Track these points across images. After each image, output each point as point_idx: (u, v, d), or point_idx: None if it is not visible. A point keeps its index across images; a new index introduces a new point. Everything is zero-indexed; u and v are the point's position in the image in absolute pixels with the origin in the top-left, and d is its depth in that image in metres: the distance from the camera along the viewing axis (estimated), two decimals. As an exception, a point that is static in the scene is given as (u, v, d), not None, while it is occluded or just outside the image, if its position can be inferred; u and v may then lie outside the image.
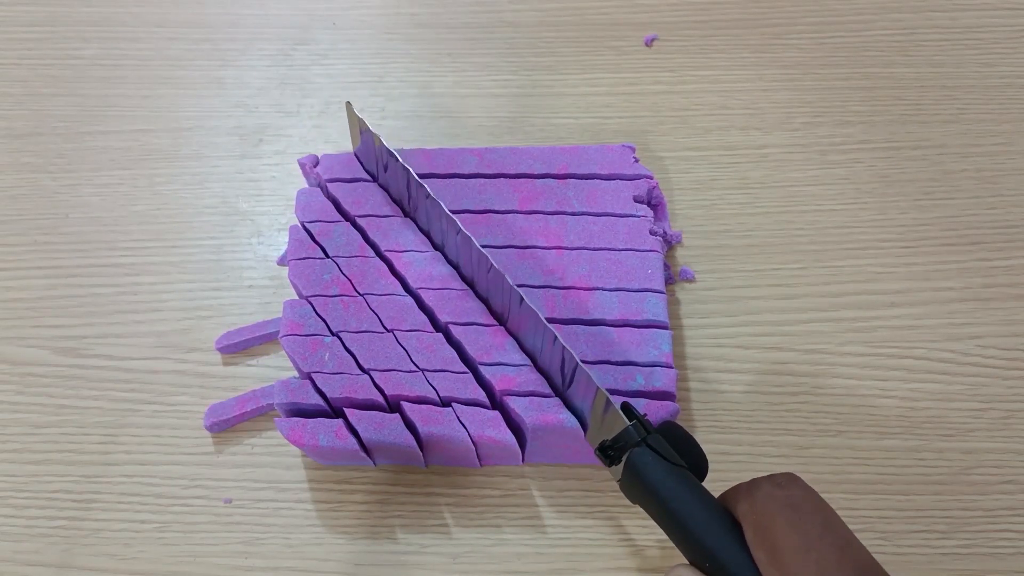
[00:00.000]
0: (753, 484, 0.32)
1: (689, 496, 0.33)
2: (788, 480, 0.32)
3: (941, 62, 0.55)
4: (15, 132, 0.54)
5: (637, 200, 0.45)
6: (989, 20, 0.57)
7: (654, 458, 0.33)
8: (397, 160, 0.42)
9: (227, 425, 0.43)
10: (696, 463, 0.34)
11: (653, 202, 0.47)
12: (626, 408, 0.35)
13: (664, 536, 0.40)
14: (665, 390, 0.39)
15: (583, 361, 0.40)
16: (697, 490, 0.33)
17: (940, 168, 0.51)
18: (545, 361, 0.39)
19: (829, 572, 0.29)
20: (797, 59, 0.56)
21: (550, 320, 0.41)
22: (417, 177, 0.42)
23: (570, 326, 0.41)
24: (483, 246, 0.44)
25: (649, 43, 0.57)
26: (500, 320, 0.41)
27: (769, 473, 0.32)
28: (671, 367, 0.40)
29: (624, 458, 0.34)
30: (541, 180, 0.46)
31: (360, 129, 0.45)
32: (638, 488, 0.34)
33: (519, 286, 0.42)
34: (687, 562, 0.33)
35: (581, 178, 0.46)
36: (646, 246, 0.43)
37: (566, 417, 0.38)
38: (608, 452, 0.35)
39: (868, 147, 0.52)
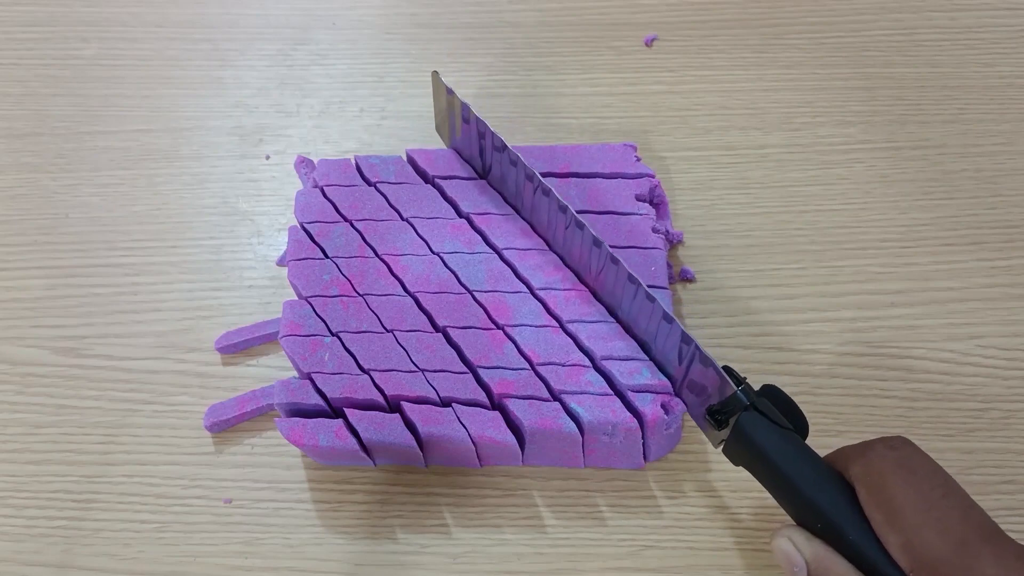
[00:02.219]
0: (865, 446, 0.32)
1: (799, 457, 0.33)
2: (901, 442, 0.32)
3: (941, 62, 0.55)
4: (15, 132, 0.54)
5: (639, 199, 0.45)
6: (989, 20, 0.57)
7: (763, 421, 0.34)
8: (488, 128, 0.43)
9: (227, 425, 0.43)
10: (798, 425, 0.35)
11: (655, 201, 0.47)
12: (729, 371, 0.35)
13: (664, 537, 0.40)
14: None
15: (589, 361, 0.40)
16: (806, 451, 0.34)
17: (940, 168, 0.51)
18: (632, 315, 0.40)
19: (952, 532, 0.29)
20: (797, 59, 0.56)
21: (559, 314, 0.41)
22: (512, 149, 0.42)
23: (577, 322, 0.41)
24: (478, 251, 0.44)
25: (649, 43, 0.56)
26: (580, 278, 0.42)
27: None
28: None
29: (731, 422, 0.35)
30: (543, 179, 0.46)
31: (446, 96, 0.45)
32: (746, 451, 0.35)
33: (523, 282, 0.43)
34: (794, 525, 0.33)
35: (583, 176, 0.46)
36: (649, 244, 0.43)
37: (564, 422, 0.38)
38: (716, 416, 0.35)
39: (868, 147, 0.52)
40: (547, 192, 0.41)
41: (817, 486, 0.33)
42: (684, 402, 0.39)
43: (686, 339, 0.37)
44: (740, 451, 0.35)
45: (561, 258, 0.43)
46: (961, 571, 0.28)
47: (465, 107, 0.44)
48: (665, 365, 0.39)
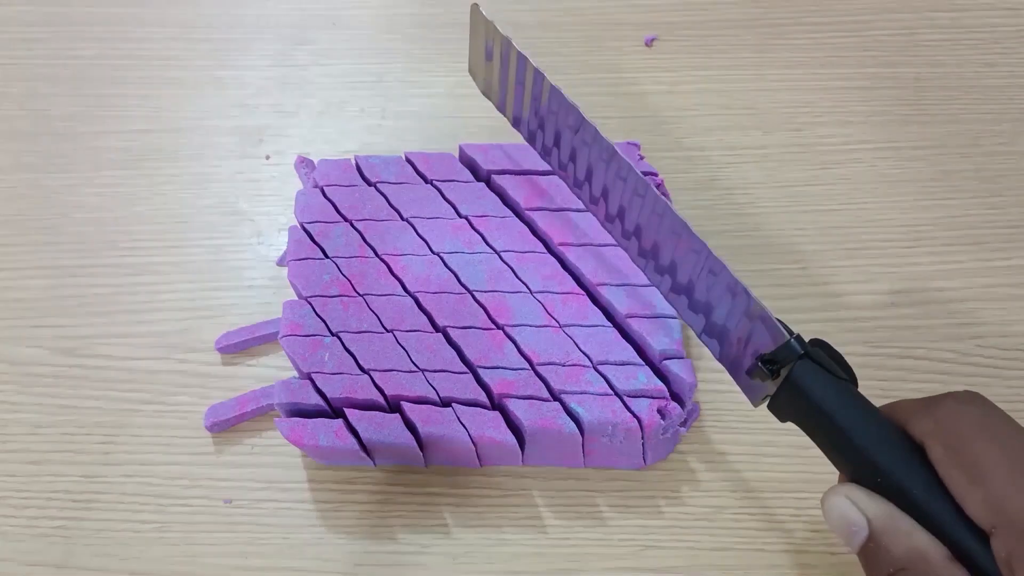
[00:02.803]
0: (931, 401, 0.30)
1: (858, 410, 0.31)
2: (974, 396, 0.30)
3: (941, 62, 0.55)
4: (15, 132, 0.54)
5: None
6: (989, 20, 0.57)
7: (819, 371, 0.32)
8: (528, 62, 0.41)
9: (227, 425, 0.43)
10: (850, 378, 0.33)
11: (658, 199, 0.47)
12: (781, 323, 0.33)
13: (664, 537, 0.40)
14: (683, 377, 0.39)
15: (589, 361, 0.40)
16: (863, 403, 0.31)
17: (940, 168, 0.51)
18: (675, 260, 0.37)
19: None
20: (797, 59, 0.56)
21: (556, 317, 0.41)
22: (555, 85, 0.40)
23: (573, 326, 0.41)
24: (478, 251, 0.44)
25: (649, 43, 0.57)
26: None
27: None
28: (682, 356, 0.40)
29: (784, 373, 0.32)
30: (545, 177, 0.46)
31: (486, 40, 0.43)
32: (799, 404, 0.32)
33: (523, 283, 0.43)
34: (850, 483, 0.31)
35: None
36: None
37: (564, 422, 0.38)
38: (768, 366, 0.33)
39: (868, 147, 0.52)
40: (595, 138, 0.39)
41: (878, 440, 0.30)
42: (725, 359, 0.36)
43: (735, 287, 0.34)
44: (791, 404, 0.33)
45: (559, 261, 0.43)
46: None
47: (506, 42, 0.42)
48: (708, 314, 0.37)
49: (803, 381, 0.32)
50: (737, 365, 0.36)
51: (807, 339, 0.33)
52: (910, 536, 0.29)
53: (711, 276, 0.35)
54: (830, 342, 0.44)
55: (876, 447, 0.30)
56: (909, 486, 0.29)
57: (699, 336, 0.37)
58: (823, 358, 0.32)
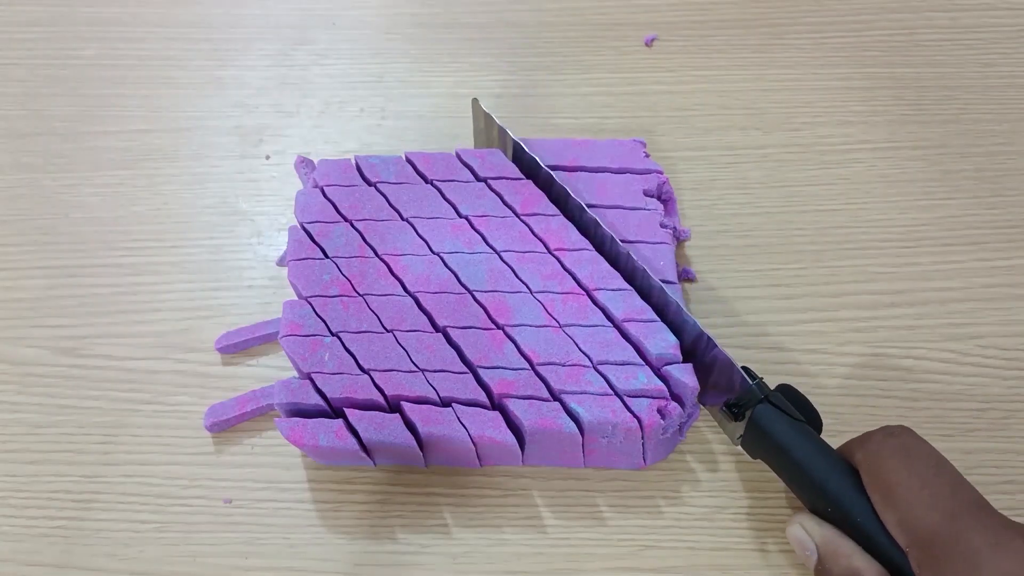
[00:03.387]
0: (867, 435, 0.35)
1: (810, 447, 0.35)
2: (900, 430, 0.34)
3: (941, 62, 0.55)
4: (15, 132, 0.54)
5: (647, 194, 0.45)
6: (989, 20, 0.57)
7: (776, 413, 0.36)
8: (525, 152, 0.46)
9: (227, 425, 0.43)
10: (812, 420, 0.37)
11: (663, 197, 0.47)
12: (746, 370, 0.38)
13: (664, 537, 0.40)
14: (685, 381, 0.39)
15: (589, 361, 0.40)
16: (817, 441, 0.36)
17: (940, 168, 0.51)
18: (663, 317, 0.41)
19: (942, 506, 0.31)
20: (797, 59, 0.56)
21: (556, 318, 0.41)
22: (546, 168, 0.45)
23: (573, 326, 0.41)
24: (478, 251, 0.44)
25: (649, 43, 0.57)
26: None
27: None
28: (680, 360, 0.40)
29: (747, 415, 0.37)
30: (551, 172, 0.46)
31: (485, 125, 0.48)
32: (761, 442, 0.37)
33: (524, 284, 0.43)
34: (805, 512, 0.35)
35: (591, 171, 0.46)
36: (657, 239, 0.43)
37: (564, 422, 0.38)
38: (732, 409, 0.37)
39: (868, 147, 0.52)
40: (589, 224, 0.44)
41: (826, 473, 0.34)
42: (704, 402, 0.41)
43: (704, 339, 0.39)
44: (756, 443, 0.37)
45: (560, 261, 0.43)
46: (951, 542, 0.30)
47: (502, 132, 0.47)
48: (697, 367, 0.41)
49: (762, 422, 0.37)
50: (715, 410, 0.41)
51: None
52: (849, 558, 0.33)
53: (686, 327, 0.40)
54: (830, 342, 0.45)
55: (824, 479, 0.34)
56: (852, 513, 0.33)
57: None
58: (782, 401, 0.37)
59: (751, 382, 0.37)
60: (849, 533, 0.34)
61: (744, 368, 0.38)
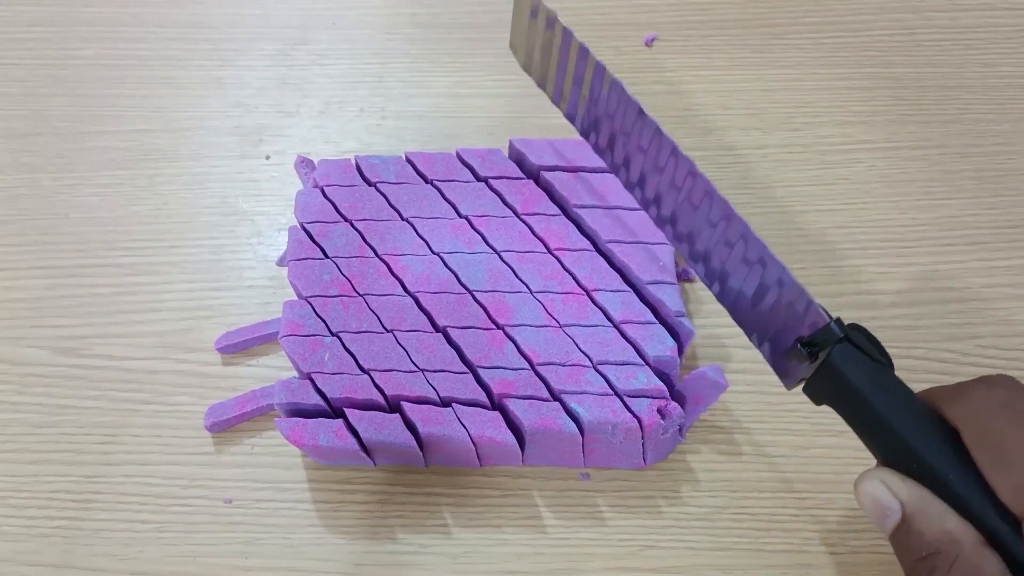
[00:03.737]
0: (964, 386, 0.31)
1: (894, 393, 0.31)
2: (1003, 379, 0.30)
3: (941, 62, 0.55)
4: (15, 132, 0.54)
5: None
6: (989, 20, 0.57)
7: (858, 355, 0.32)
8: (574, 38, 0.39)
9: (227, 425, 0.43)
10: (888, 363, 0.33)
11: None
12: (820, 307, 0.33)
13: (664, 537, 0.40)
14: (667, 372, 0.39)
15: (589, 361, 0.40)
16: (901, 387, 0.32)
17: (940, 168, 0.51)
18: (710, 246, 0.37)
19: None
20: (797, 59, 0.56)
21: (556, 318, 0.41)
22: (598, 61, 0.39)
23: (573, 326, 0.41)
24: (478, 251, 0.44)
25: (649, 43, 0.57)
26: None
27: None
28: (678, 363, 0.40)
29: (822, 356, 0.33)
30: (551, 172, 0.46)
31: (531, 10, 0.41)
32: (836, 387, 0.32)
33: (524, 283, 0.43)
34: (884, 467, 0.31)
35: (591, 171, 0.46)
36: (657, 238, 0.43)
37: (564, 422, 0.38)
38: (808, 348, 0.33)
39: (868, 147, 0.52)
40: (652, 132, 0.38)
41: (913, 424, 0.30)
42: (760, 343, 0.36)
43: (775, 267, 0.34)
44: (827, 388, 0.33)
45: (560, 261, 0.43)
46: None
47: (552, 17, 0.40)
48: (741, 298, 0.36)
49: (841, 364, 0.32)
50: (774, 348, 0.35)
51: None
52: (942, 520, 0.29)
53: (759, 267, 0.35)
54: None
55: (911, 431, 0.30)
56: (943, 471, 0.29)
57: (737, 321, 0.37)
58: (862, 342, 0.32)
59: (829, 318, 0.32)
60: (937, 494, 0.30)
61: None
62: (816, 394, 0.34)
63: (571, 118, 0.43)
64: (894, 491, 0.30)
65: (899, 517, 0.30)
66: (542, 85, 0.44)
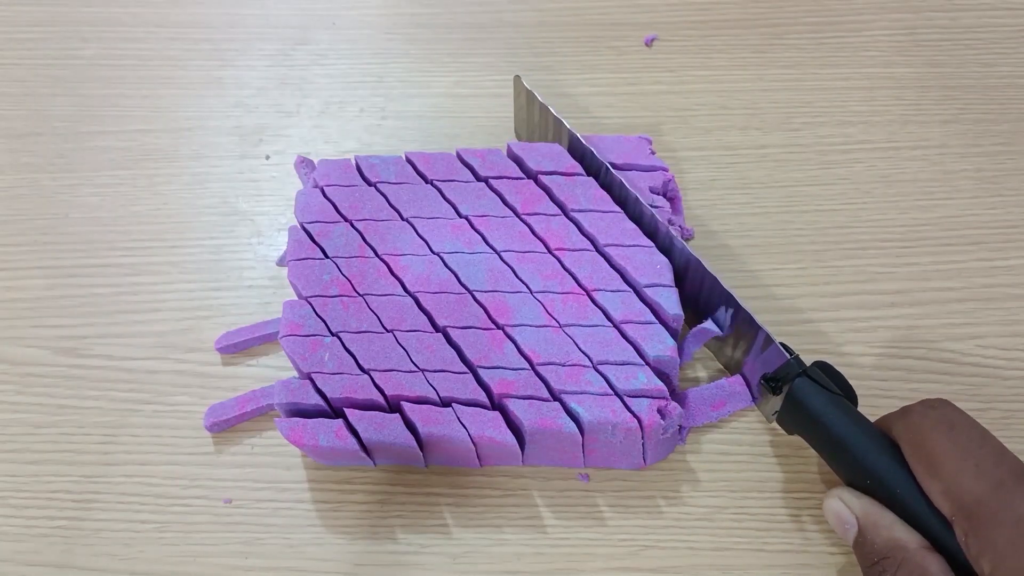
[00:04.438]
0: (905, 408, 0.35)
1: (849, 420, 0.36)
2: (940, 402, 0.34)
3: (941, 62, 0.55)
4: (15, 132, 0.54)
5: (653, 191, 0.45)
6: (989, 20, 0.57)
7: (814, 387, 0.37)
8: (568, 129, 0.46)
9: (227, 425, 0.43)
10: (847, 394, 0.37)
11: (669, 195, 0.47)
12: (783, 346, 0.38)
13: (664, 537, 0.40)
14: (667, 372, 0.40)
15: (589, 361, 0.40)
16: (855, 414, 0.36)
17: (940, 168, 0.51)
18: (693, 291, 0.42)
19: (988, 475, 0.31)
20: (797, 59, 0.56)
21: (556, 317, 0.41)
22: (603, 159, 0.45)
23: (573, 326, 0.41)
24: (478, 251, 0.44)
25: (649, 43, 0.57)
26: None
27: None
28: (678, 363, 0.40)
29: (785, 389, 0.37)
30: (549, 177, 0.46)
31: (527, 102, 0.48)
32: (799, 416, 0.37)
33: (524, 283, 0.43)
34: (843, 486, 0.36)
35: (587, 176, 0.46)
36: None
37: (565, 422, 0.38)
38: (771, 383, 0.38)
39: (868, 147, 0.52)
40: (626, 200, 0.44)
41: (865, 445, 0.35)
42: (746, 378, 0.41)
43: (745, 316, 0.39)
44: (793, 418, 0.38)
45: (560, 261, 0.43)
46: (998, 510, 0.30)
47: (544, 108, 0.47)
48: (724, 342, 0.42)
49: (801, 396, 0.37)
50: (754, 387, 0.41)
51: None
52: (890, 529, 0.33)
53: (728, 310, 0.41)
54: (830, 342, 0.45)
55: (864, 452, 0.35)
56: (891, 484, 0.34)
57: (725, 367, 0.43)
58: (819, 376, 0.37)
59: (789, 356, 0.38)
60: (888, 506, 0.34)
61: (782, 344, 0.38)
62: (786, 424, 0.39)
63: None
64: (850, 507, 0.35)
65: (856, 529, 0.34)
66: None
